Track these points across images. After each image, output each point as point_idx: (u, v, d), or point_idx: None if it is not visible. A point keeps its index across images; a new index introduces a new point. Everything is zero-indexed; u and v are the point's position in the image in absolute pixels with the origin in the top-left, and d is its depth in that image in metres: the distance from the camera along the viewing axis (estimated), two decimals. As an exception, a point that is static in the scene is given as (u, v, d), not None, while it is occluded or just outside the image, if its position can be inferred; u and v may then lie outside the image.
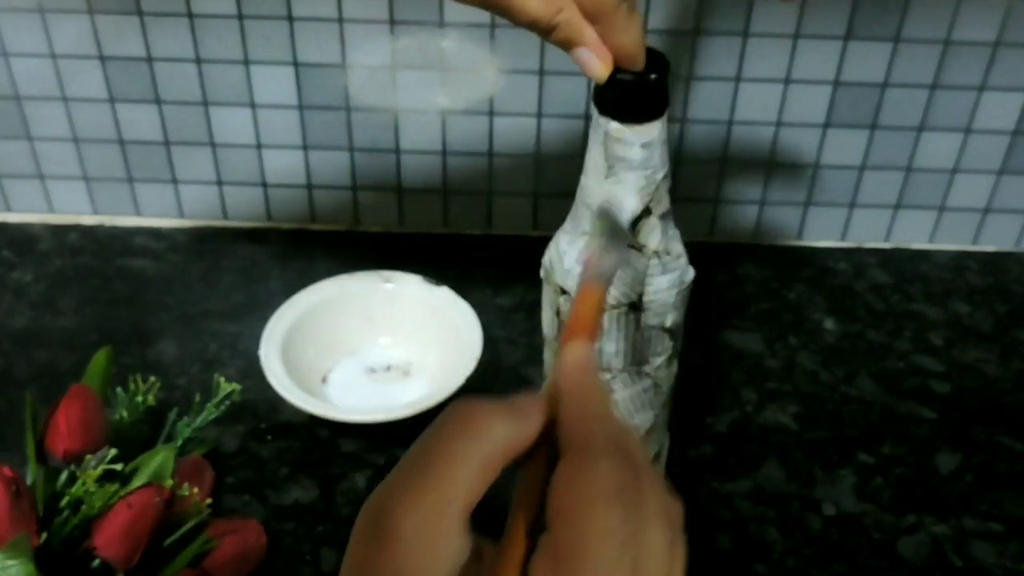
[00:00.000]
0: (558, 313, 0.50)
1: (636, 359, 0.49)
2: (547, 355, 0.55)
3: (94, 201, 0.82)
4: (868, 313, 0.76)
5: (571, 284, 0.48)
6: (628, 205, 0.45)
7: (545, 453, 0.30)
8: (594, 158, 0.45)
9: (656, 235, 0.46)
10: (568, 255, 0.48)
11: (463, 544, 0.28)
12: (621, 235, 0.38)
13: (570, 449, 0.29)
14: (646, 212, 0.45)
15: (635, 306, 0.47)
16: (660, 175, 0.45)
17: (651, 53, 0.44)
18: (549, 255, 0.50)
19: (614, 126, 0.44)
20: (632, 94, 0.43)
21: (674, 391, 0.53)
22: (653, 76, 0.43)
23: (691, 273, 0.49)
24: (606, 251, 0.34)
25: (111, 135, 0.78)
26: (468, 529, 0.28)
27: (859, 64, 0.73)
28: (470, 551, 0.28)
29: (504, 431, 0.29)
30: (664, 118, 0.44)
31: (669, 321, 0.49)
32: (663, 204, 0.46)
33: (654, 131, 0.44)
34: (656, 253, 0.47)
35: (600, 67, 0.43)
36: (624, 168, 0.44)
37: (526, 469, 0.30)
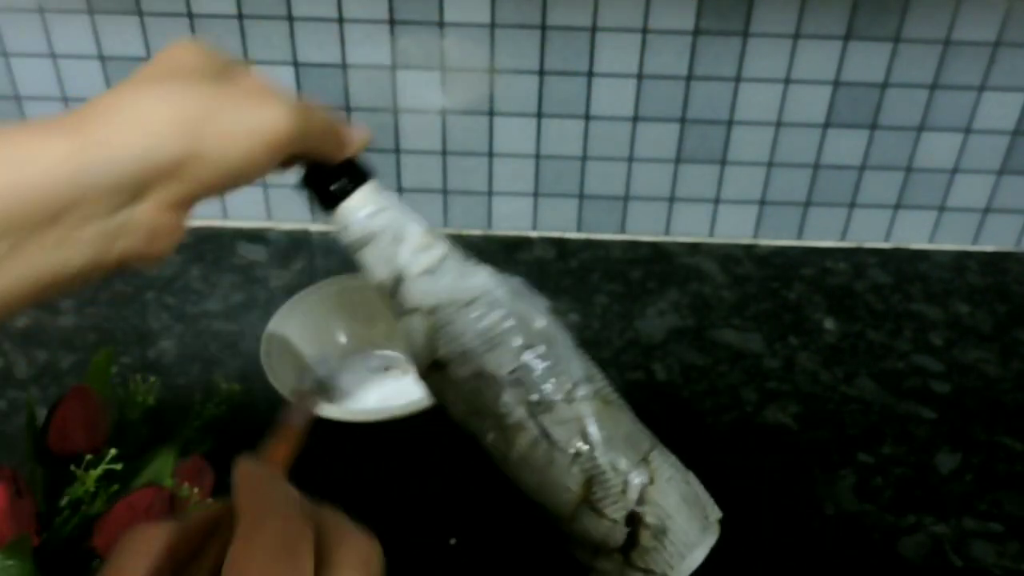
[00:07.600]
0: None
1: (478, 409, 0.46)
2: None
3: (94, 201, 0.82)
4: (868, 313, 0.76)
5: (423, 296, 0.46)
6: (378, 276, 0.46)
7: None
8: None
9: (424, 295, 0.45)
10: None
11: None
12: (321, 388, 0.46)
13: (241, 520, 0.30)
14: (398, 280, 0.45)
15: (438, 364, 0.45)
16: (392, 242, 0.46)
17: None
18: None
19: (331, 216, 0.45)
20: (316, 182, 0.45)
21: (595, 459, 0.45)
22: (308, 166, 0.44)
23: (490, 318, 0.44)
24: (305, 398, 0.40)
25: (111, 135, 0.78)
26: None
27: (859, 64, 0.73)
28: None
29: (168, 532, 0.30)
30: (360, 194, 0.46)
31: (489, 365, 0.44)
32: (417, 265, 0.45)
33: (357, 207, 0.45)
34: (431, 311, 0.45)
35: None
36: (354, 250, 0.45)
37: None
